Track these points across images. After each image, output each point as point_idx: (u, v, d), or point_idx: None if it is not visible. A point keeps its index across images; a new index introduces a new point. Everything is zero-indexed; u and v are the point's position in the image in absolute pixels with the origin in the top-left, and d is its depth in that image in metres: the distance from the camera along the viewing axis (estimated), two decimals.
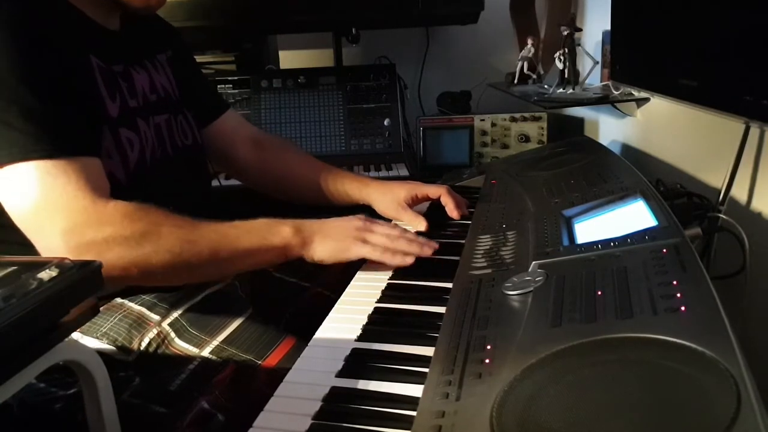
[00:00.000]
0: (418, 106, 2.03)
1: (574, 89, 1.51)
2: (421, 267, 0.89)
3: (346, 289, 0.86)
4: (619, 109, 1.53)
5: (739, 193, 1.07)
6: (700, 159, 1.24)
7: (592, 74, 1.58)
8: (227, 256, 0.85)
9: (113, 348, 0.86)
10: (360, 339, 0.71)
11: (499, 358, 0.57)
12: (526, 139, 1.74)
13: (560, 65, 1.52)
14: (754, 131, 1.01)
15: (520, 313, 0.64)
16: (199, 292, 0.94)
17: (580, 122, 1.85)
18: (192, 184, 1.07)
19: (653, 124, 1.43)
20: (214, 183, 1.31)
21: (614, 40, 1.34)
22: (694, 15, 1.00)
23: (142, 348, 0.86)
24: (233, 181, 1.42)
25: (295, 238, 0.87)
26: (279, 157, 1.24)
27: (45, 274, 0.56)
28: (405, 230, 0.96)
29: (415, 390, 0.59)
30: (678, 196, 1.09)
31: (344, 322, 0.76)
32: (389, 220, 1.08)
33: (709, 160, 1.19)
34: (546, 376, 0.51)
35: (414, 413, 0.54)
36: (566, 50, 1.50)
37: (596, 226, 0.86)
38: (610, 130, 1.67)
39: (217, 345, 0.86)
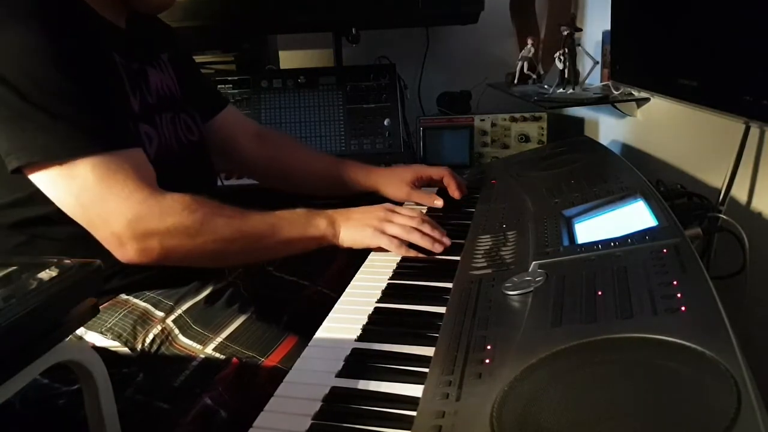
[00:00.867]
0: (418, 106, 2.03)
1: (574, 89, 1.51)
2: (421, 267, 0.90)
3: (346, 289, 0.86)
4: (619, 109, 1.53)
5: (739, 193, 1.07)
6: (700, 159, 1.24)
7: (592, 74, 1.58)
8: (272, 244, 0.92)
9: (117, 343, 0.86)
10: (360, 339, 0.71)
11: (499, 358, 0.57)
12: (526, 139, 1.74)
13: (560, 65, 1.52)
14: (754, 131, 1.01)
15: (520, 313, 0.64)
16: (203, 290, 0.95)
17: (580, 122, 1.85)
18: (199, 180, 1.08)
19: (653, 124, 1.43)
20: None
21: (614, 40, 1.34)
22: (693, 15, 1.00)
23: (146, 344, 0.86)
24: (233, 181, 1.42)
25: (329, 228, 0.94)
26: (284, 150, 1.26)
27: (45, 274, 0.57)
28: (425, 219, 0.96)
29: (415, 390, 0.59)
30: (678, 196, 1.09)
31: (344, 322, 0.76)
32: (399, 204, 1.09)
33: (709, 160, 1.19)
34: (546, 376, 0.51)
35: (414, 413, 0.54)
36: (566, 50, 1.50)
37: (596, 226, 0.86)
38: (610, 130, 1.67)
39: (221, 342, 0.86)
